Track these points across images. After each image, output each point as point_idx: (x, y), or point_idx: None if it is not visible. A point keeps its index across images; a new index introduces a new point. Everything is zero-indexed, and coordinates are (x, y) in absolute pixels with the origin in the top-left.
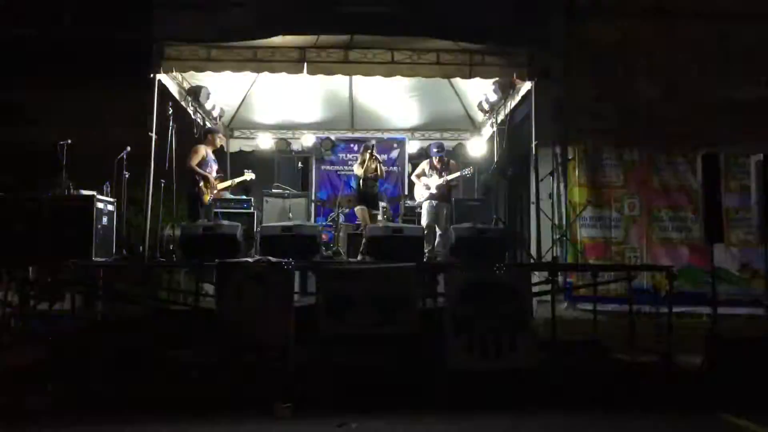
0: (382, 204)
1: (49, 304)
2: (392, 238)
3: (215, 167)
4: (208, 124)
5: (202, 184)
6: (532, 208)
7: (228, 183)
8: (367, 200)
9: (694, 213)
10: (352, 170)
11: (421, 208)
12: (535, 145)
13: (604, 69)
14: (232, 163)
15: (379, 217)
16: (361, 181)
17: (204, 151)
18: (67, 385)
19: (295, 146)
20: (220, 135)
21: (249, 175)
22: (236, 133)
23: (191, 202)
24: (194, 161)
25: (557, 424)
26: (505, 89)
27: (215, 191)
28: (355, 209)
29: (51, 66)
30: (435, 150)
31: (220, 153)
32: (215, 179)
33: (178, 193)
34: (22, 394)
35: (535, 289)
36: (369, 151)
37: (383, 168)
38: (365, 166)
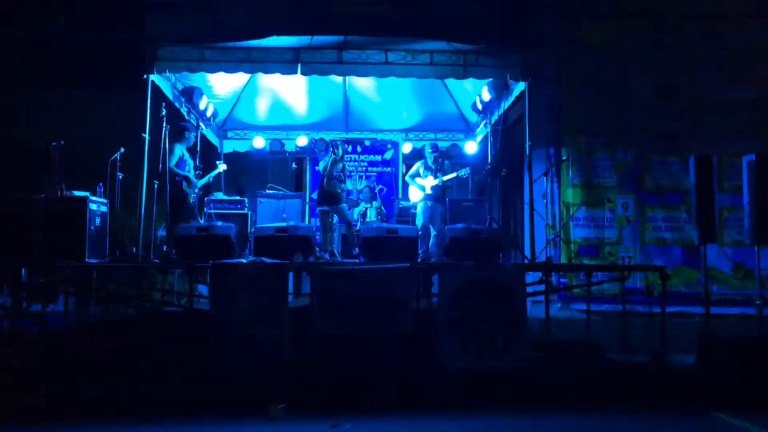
0: (375, 203)
1: (42, 306)
2: (387, 239)
3: (191, 164)
4: (202, 125)
5: (185, 185)
6: (526, 208)
7: (205, 179)
8: (327, 199)
9: (688, 213)
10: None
11: (416, 209)
12: (529, 146)
13: (597, 69)
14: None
15: (374, 215)
16: (324, 180)
17: (180, 150)
18: (60, 387)
19: (289, 147)
20: (194, 133)
21: (222, 167)
22: (230, 134)
23: (175, 203)
24: (172, 162)
25: (551, 423)
26: (499, 90)
27: (197, 189)
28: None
29: (44, 66)
30: (430, 151)
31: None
32: (195, 176)
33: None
34: (14, 395)
35: (528, 289)
36: (332, 149)
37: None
38: (327, 164)
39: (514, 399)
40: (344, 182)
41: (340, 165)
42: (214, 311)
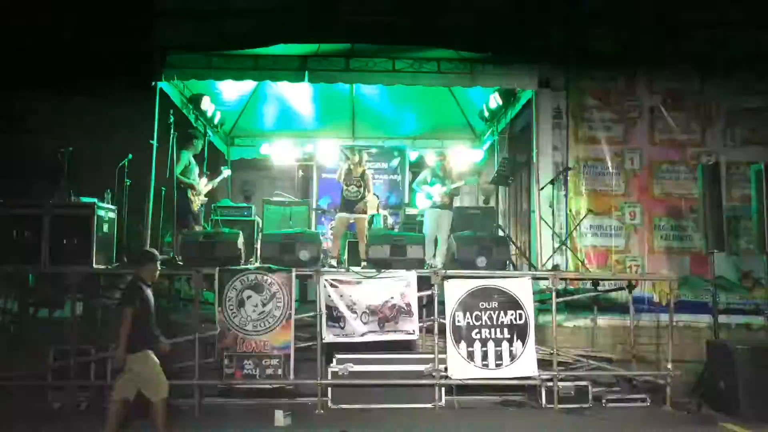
0: (383, 212)
1: (49, 312)
2: (393, 247)
3: (197, 171)
4: (209, 132)
5: (190, 193)
6: (533, 216)
7: (210, 185)
8: (346, 206)
9: (695, 221)
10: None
11: (422, 216)
12: (536, 154)
13: (604, 77)
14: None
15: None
16: (343, 186)
17: (187, 157)
18: (67, 393)
19: (296, 154)
20: (201, 140)
21: (226, 172)
22: (237, 141)
23: (181, 210)
24: (179, 169)
25: None
26: (506, 98)
27: (201, 196)
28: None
29: (52, 74)
30: (437, 158)
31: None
32: (202, 182)
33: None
34: (23, 400)
35: (535, 297)
36: (348, 155)
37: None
38: (344, 172)
39: (521, 408)
40: (364, 189)
41: (361, 171)
42: (220, 318)
